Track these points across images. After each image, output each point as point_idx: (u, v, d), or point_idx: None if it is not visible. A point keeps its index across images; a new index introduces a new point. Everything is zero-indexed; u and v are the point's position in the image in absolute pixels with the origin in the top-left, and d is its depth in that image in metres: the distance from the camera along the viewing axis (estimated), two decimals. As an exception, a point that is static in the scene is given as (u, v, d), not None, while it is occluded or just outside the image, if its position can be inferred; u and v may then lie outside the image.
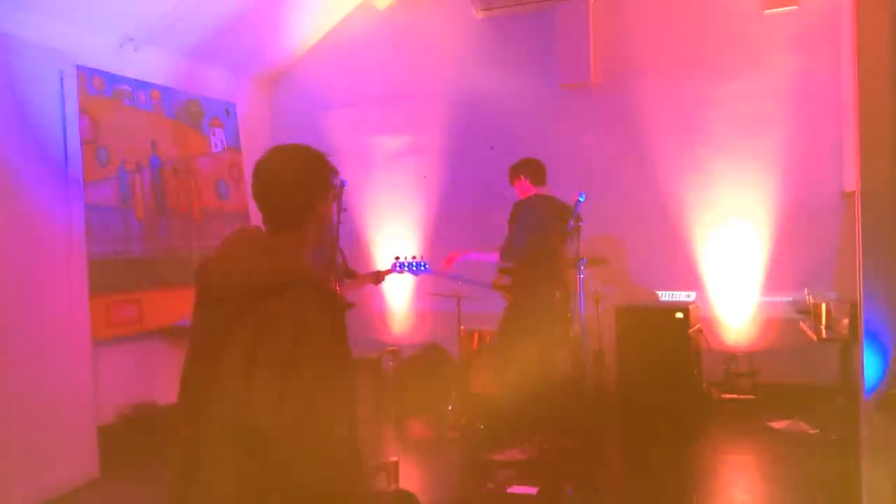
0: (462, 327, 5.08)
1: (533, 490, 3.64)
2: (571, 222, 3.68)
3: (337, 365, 1.43)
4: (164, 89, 5.38)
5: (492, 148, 6.07)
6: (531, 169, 4.47)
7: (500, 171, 6.08)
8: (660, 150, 5.73)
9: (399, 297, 6.41)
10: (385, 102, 6.48)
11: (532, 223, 4.27)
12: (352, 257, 4.65)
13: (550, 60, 5.94)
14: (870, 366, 2.58)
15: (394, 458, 3.61)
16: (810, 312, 4.47)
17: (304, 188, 1.54)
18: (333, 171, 1.62)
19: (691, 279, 5.64)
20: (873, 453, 2.59)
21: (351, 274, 4.35)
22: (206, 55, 5.81)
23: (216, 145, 5.87)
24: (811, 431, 4.60)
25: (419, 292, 6.22)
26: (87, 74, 4.66)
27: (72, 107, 3.98)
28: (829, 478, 3.53)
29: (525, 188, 4.43)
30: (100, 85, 4.83)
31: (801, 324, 4.64)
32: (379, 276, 4.45)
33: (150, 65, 5.25)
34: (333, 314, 1.42)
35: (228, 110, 6.10)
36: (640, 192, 5.74)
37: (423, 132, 6.40)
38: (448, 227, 6.14)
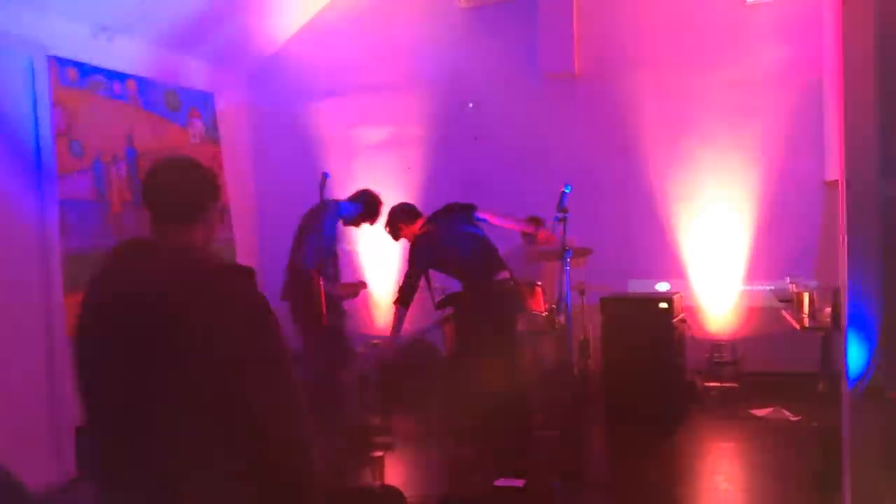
0: (448, 323, 5.04)
1: (520, 483, 3.63)
2: (558, 214, 3.66)
3: (282, 338, 1.55)
4: (140, 80, 5.26)
5: (476, 139, 6.03)
6: (400, 215, 4.40)
7: (484, 164, 6.07)
8: (644, 141, 5.73)
9: (383, 289, 6.36)
10: (367, 93, 6.40)
11: (436, 260, 4.24)
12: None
13: (534, 50, 5.90)
14: (853, 354, 2.59)
15: (379, 454, 3.58)
16: (792, 301, 4.50)
17: (201, 189, 1.67)
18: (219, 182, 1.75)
19: (675, 269, 5.66)
20: (856, 442, 2.61)
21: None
22: (183, 45, 5.69)
23: (194, 137, 5.76)
24: (793, 419, 4.65)
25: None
26: (59, 65, 4.54)
27: (43, 98, 3.88)
28: (812, 465, 3.55)
29: (412, 230, 4.36)
30: (73, 76, 4.71)
31: (783, 312, 4.67)
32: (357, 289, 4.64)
33: (125, 55, 5.13)
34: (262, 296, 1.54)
35: (207, 101, 5.99)
36: (625, 183, 5.74)
37: (406, 123, 6.33)
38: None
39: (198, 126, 5.83)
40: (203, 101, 5.94)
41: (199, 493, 1.44)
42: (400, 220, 4.38)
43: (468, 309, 4.25)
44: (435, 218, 4.37)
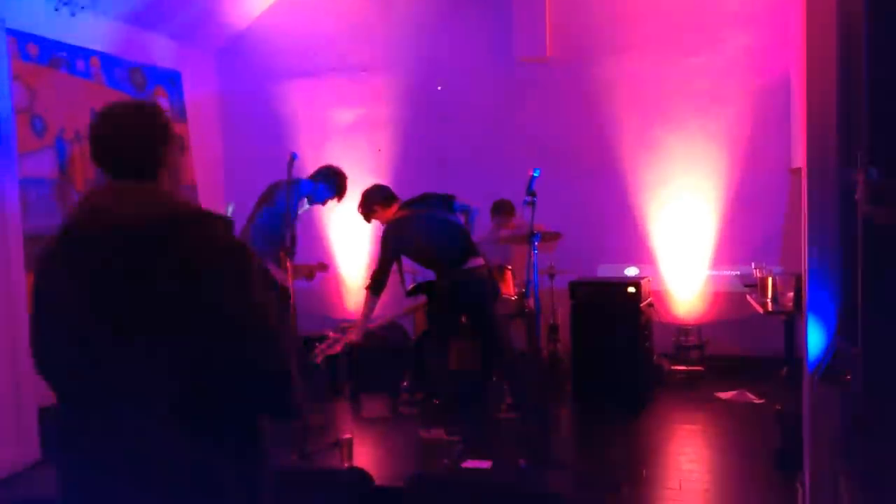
0: (419, 311, 5.05)
1: (487, 464, 3.66)
2: (527, 198, 3.66)
3: (264, 276, 1.48)
4: (104, 56, 5.13)
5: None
6: (375, 197, 4.31)
7: (455, 146, 6.05)
8: (614, 126, 5.76)
9: (353, 271, 6.34)
10: (338, 74, 6.32)
11: (410, 246, 4.21)
12: (302, 234, 4.57)
13: (507, 34, 5.87)
14: (813, 338, 2.65)
15: (348, 436, 3.58)
16: (757, 286, 4.59)
17: (154, 140, 1.50)
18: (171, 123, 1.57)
19: (644, 254, 5.73)
20: (815, 423, 2.68)
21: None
22: (150, 21, 5.56)
23: (161, 116, 5.65)
24: (756, 402, 4.75)
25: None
26: (19, 40, 4.40)
27: (3, 74, 3.75)
28: (773, 445, 3.64)
29: (386, 215, 4.29)
30: (34, 51, 4.57)
31: (748, 297, 4.76)
32: (312, 271, 4.51)
33: (88, 31, 4.99)
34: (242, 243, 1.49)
35: (173, 80, 5.86)
36: (595, 168, 5.77)
37: (378, 105, 6.28)
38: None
39: (164, 104, 5.71)
40: (169, 80, 5.82)
41: (181, 442, 1.38)
42: (375, 202, 4.29)
43: (441, 298, 4.24)
44: (411, 204, 4.32)
